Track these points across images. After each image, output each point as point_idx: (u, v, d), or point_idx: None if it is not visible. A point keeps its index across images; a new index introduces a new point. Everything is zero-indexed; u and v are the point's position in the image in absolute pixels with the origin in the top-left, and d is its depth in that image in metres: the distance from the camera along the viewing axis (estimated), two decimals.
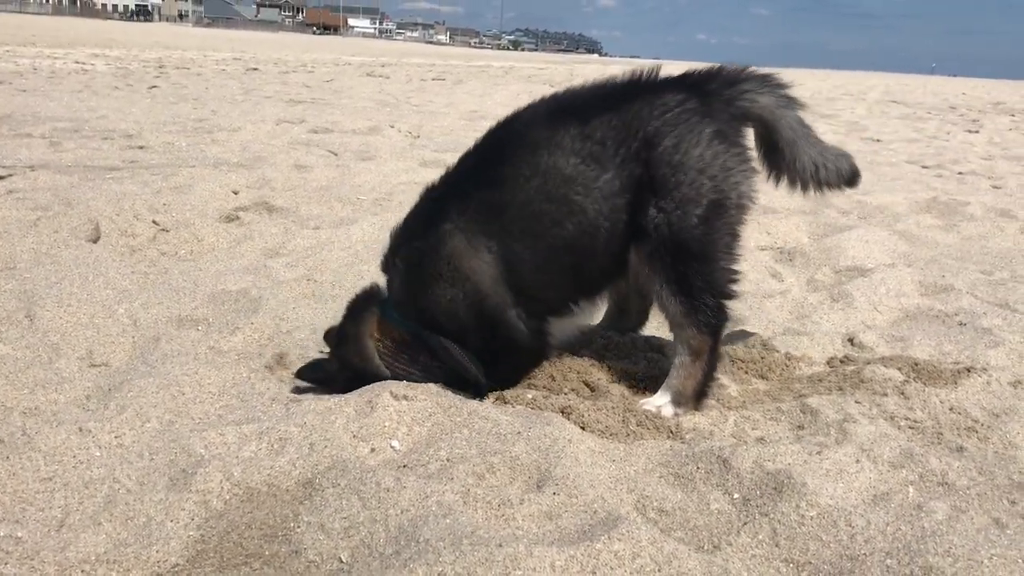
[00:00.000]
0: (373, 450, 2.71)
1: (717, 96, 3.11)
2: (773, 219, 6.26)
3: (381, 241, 5.24)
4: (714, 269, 3.05)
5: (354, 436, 2.73)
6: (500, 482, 2.50)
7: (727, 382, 3.40)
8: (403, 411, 2.84)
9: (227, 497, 2.41)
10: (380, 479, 2.40)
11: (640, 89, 3.13)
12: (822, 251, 5.48)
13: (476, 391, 3.01)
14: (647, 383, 3.27)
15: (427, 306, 3.04)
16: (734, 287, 3.12)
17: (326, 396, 2.94)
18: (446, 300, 3.02)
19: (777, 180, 3.38)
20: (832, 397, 3.14)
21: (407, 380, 3.04)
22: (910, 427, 2.98)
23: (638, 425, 2.93)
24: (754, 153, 3.17)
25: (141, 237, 5.36)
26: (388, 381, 2.98)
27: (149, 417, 2.79)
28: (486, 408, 2.87)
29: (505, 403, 3.02)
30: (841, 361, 3.63)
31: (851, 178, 3.44)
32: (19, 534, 2.23)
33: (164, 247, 5.25)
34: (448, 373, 3.03)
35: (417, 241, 3.09)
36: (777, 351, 3.68)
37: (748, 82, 3.18)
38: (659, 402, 3.05)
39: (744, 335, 3.86)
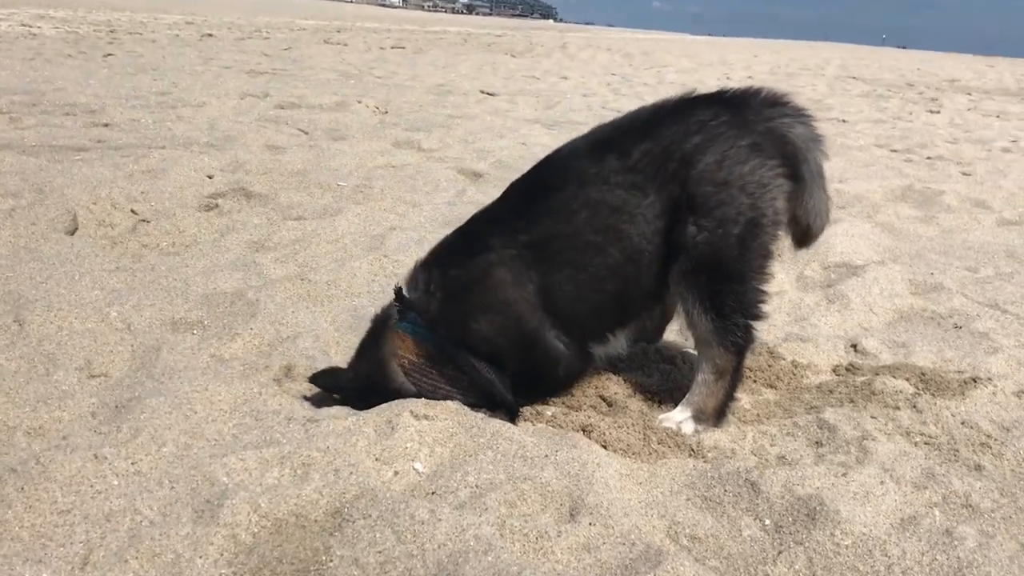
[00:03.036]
0: (397, 473, 2.65)
1: (753, 112, 3.10)
2: None
3: (369, 235, 5.18)
4: (747, 289, 3.03)
5: (376, 459, 2.68)
6: (533, 510, 2.47)
7: (741, 394, 3.40)
8: (424, 431, 2.79)
9: (255, 530, 2.35)
10: (414, 511, 2.35)
11: (673, 110, 3.10)
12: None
13: (508, 412, 2.97)
14: (663, 396, 3.25)
15: (466, 332, 3.02)
16: (764, 307, 3.11)
17: (343, 415, 2.87)
18: (486, 328, 3.02)
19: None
20: (846, 411, 3.15)
21: (434, 396, 2.98)
22: (926, 443, 3.00)
23: (659, 443, 2.92)
24: (785, 167, 3.14)
25: (120, 227, 5.21)
26: (407, 399, 2.92)
27: (165, 440, 2.71)
28: (509, 429, 2.82)
29: (525, 420, 2.98)
30: (847, 369, 3.64)
31: (817, 235, 3.42)
32: (43, 575, 2.15)
33: (145, 239, 5.11)
34: (479, 390, 2.99)
35: (457, 269, 3.08)
36: (783, 358, 3.68)
37: (786, 107, 3.18)
38: (679, 418, 3.04)
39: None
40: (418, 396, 3.00)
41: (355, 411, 2.93)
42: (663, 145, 3.03)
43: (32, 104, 8.98)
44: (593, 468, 2.63)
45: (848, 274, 4.97)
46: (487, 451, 2.72)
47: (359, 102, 10.98)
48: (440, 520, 2.33)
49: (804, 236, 3.39)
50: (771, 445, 2.97)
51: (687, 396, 3.10)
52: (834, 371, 3.65)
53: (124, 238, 5.07)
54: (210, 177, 6.39)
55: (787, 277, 5.02)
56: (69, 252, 4.56)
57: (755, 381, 3.51)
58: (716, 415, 3.06)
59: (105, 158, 6.63)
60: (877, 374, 3.49)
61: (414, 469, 2.69)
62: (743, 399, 3.35)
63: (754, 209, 3.01)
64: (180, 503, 2.43)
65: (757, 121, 3.10)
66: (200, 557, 2.23)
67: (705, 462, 2.84)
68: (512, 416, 2.97)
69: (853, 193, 7.27)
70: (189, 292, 4.12)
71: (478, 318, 3.02)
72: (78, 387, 3.12)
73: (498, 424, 2.84)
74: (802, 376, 3.56)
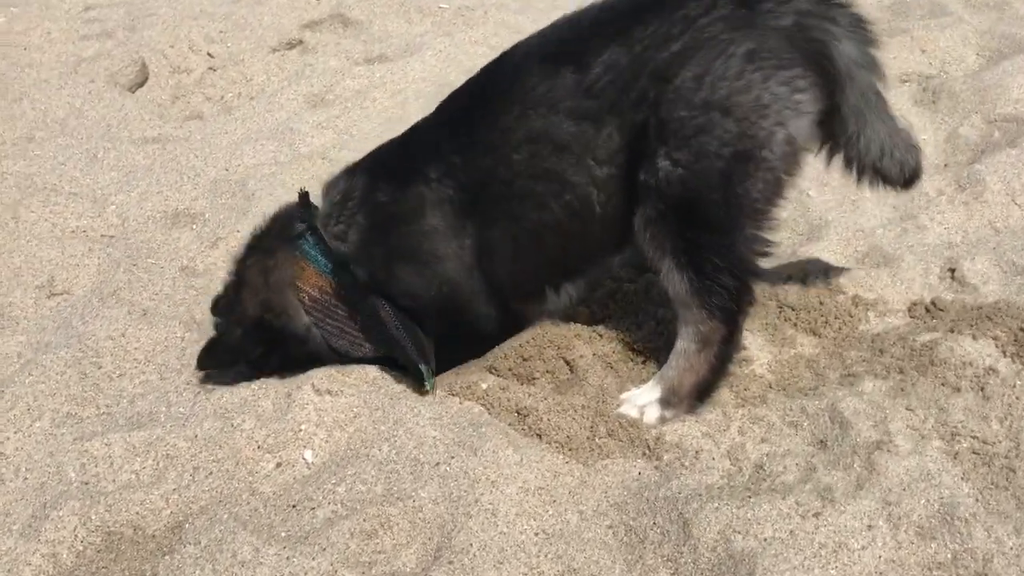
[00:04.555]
0: (279, 466, 2.32)
1: (772, 5, 2.29)
2: (935, 27, 4.99)
3: (438, 85, 4.59)
4: (735, 240, 2.33)
5: (259, 447, 2.34)
6: (389, 547, 2.07)
7: (762, 342, 2.72)
8: (324, 410, 2.41)
9: (80, 548, 2.12)
10: (238, 548, 2.02)
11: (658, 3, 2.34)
12: (978, 89, 4.31)
13: (416, 380, 2.50)
14: (646, 359, 2.64)
15: (386, 277, 2.54)
16: (762, 261, 2.40)
17: (244, 383, 2.53)
18: (412, 280, 2.54)
19: (829, 155, 2.54)
20: (879, 395, 2.42)
21: (338, 344, 2.56)
22: (973, 453, 2.25)
23: (608, 435, 2.37)
24: (811, 79, 2.31)
25: (194, 74, 4.96)
26: (312, 371, 2.51)
27: (43, 412, 2.49)
28: (414, 416, 2.38)
29: (453, 395, 2.51)
30: (928, 310, 2.81)
31: (911, 178, 2.62)
32: None
33: (210, 90, 4.84)
34: (388, 347, 2.53)
35: (385, 196, 2.55)
36: (844, 292, 2.90)
37: (833, 9, 2.34)
38: (643, 400, 2.45)
39: (808, 264, 3.06)
40: (326, 345, 2.57)
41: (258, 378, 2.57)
42: (634, 54, 2.29)
43: None
44: (486, 487, 2.16)
45: (1018, 134, 3.87)
46: (382, 445, 2.30)
47: None
48: (262, 563, 1.98)
49: (876, 177, 2.56)
50: (757, 443, 2.35)
51: (661, 370, 2.49)
52: (909, 312, 2.84)
53: (190, 90, 4.83)
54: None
55: (932, 138, 3.99)
56: (114, 117, 4.37)
57: (794, 325, 2.79)
58: (692, 397, 2.44)
59: None
60: (954, 327, 2.65)
61: (303, 459, 2.34)
62: (765, 354, 2.68)
63: (744, 138, 2.25)
64: (24, 502, 2.23)
65: (773, 17, 2.27)
66: None
67: (656, 469, 2.28)
68: (421, 385, 2.49)
69: None
70: (206, 173, 3.85)
71: (401, 265, 2.53)
72: (24, 314, 2.96)
73: (405, 408, 2.40)
74: (859, 320, 2.79)
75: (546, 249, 2.45)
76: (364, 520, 2.08)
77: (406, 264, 2.51)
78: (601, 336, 2.70)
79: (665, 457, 2.31)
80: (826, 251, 3.14)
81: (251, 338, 2.55)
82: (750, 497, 2.12)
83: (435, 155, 2.50)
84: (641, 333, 2.72)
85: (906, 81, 4.59)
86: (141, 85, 4.90)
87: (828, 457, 2.26)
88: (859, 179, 2.58)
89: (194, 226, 3.53)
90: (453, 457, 2.23)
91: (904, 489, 2.12)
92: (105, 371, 2.65)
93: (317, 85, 4.80)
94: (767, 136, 2.26)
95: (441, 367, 2.56)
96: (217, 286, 3.09)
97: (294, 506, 2.17)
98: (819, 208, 3.40)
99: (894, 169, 2.53)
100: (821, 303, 2.84)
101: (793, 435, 2.36)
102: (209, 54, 5.14)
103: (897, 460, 2.20)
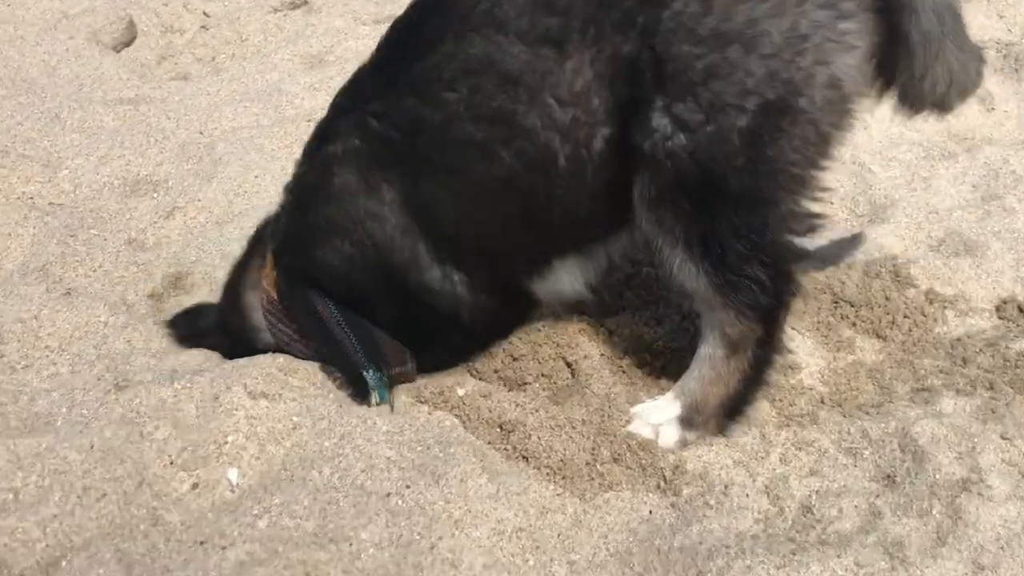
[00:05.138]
0: (196, 487, 1.84)
1: None
2: None
3: None
4: (768, 219, 1.79)
5: (172, 463, 1.86)
6: None
7: (812, 345, 2.19)
8: (258, 418, 1.92)
9: None
10: None
11: None
12: None
13: (356, 390, 2.00)
14: (663, 365, 2.12)
15: (310, 264, 2.06)
16: (806, 240, 1.87)
17: (169, 374, 2.05)
18: (333, 254, 2.04)
19: (883, 89, 1.95)
20: (964, 418, 1.89)
21: (294, 352, 2.10)
22: None
23: (613, 460, 1.86)
24: (861, 1, 1.77)
25: (187, 35, 4.51)
26: (247, 368, 2.03)
27: None
28: (367, 428, 1.89)
29: (421, 403, 2.01)
30: (1021, 310, 2.27)
31: (957, 104, 2.02)
32: None
33: (201, 51, 4.38)
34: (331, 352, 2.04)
35: (304, 165, 2.10)
36: (915, 284, 2.35)
37: None
38: (659, 416, 1.93)
39: (871, 250, 2.51)
40: (280, 349, 2.12)
41: (193, 370, 2.09)
42: None
43: None
44: (447, 527, 1.66)
45: None
46: (323, 466, 1.82)
47: None
48: None
49: (941, 108, 2.01)
50: (804, 477, 1.82)
51: (681, 380, 1.97)
52: (998, 312, 2.29)
53: (180, 50, 4.38)
54: None
55: (1015, 109, 3.40)
56: (88, 76, 3.93)
57: (853, 325, 2.26)
58: (720, 415, 1.92)
59: None
60: None
61: (227, 480, 1.85)
62: (815, 358, 2.15)
63: (777, 83, 1.71)
64: None
65: None
66: None
67: (672, 508, 1.77)
68: (362, 397, 1.99)
69: None
70: (176, 136, 3.39)
71: (321, 241, 2.04)
72: None
73: (357, 420, 1.90)
74: (934, 321, 2.25)
75: (504, 209, 1.92)
76: (285, 567, 1.60)
77: (323, 237, 2.03)
78: (611, 333, 2.18)
79: (685, 492, 1.80)
80: (892, 235, 2.59)
81: (221, 330, 2.21)
82: (794, 552, 1.60)
83: (354, 104, 2.01)
84: (661, 330, 2.19)
85: (984, 48, 3.97)
86: (128, 45, 4.46)
87: (897, 499, 1.74)
88: (908, 114, 2.02)
89: (155, 195, 3.07)
90: (409, 486, 1.73)
91: (1002, 547, 1.59)
92: (8, 360, 2.20)
93: (317, 46, 4.32)
94: (805, 79, 1.72)
95: (423, 368, 2.07)
96: (166, 262, 2.66)
97: (202, 543, 1.69)
98: (883, 185, 2.86)
99: (956, 101, 1.99)
100: (887, 298, 2.30)
101: (851, 467, 1.84)
102: (205, 13, 4.69)
103: (991, 507, 1.68)
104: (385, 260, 1.98)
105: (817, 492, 1.78)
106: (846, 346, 2.20)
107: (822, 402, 2.03)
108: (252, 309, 2.15)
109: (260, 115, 3.56)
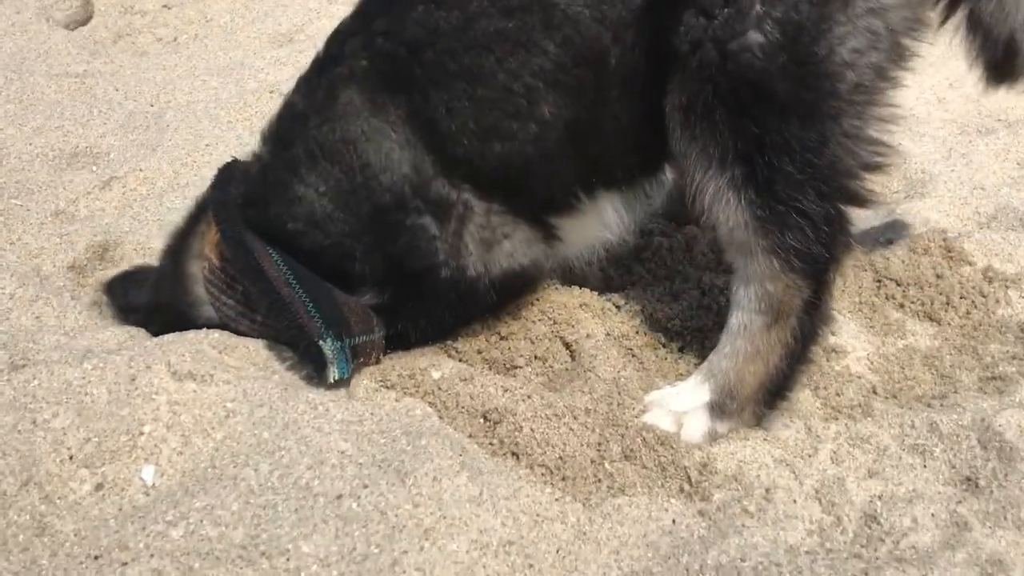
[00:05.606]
0: (100, 488, 1.46)
1: None
2: None
3: None
4: (826, 136, 1.44)
5: (71, 458, 1.48)
6: None
7: (856, 328, 1.84)
8: (183, 404, 1.54)
9: None
10: None
11: None
12: None
13: (313, 361, 1.62)
14: (681, 345, 1.76)
15: (286, 207, 1.70)
16: (871, 176, 1.51)
17: (76, 361, 1.66)
18: (316, 190, 1.67)
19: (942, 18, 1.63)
20: None
21: (236, 330, 1.73)
22: None
23: (625, 457, 1.49)
24: None
25: (148, 15, 4.17)
26: (173, 344, 1.65)
27: None
28: (317, 416, 1.51)
29: (388, 388, 1.64)
30: None
31: None
32: None
33: (162, 30, 4.03)
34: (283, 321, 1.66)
35: (297, 94, 1.77)
36: (970, 261, 2.00)
37: None
38: (683, 404, 1.57)
39: (917, 225, 2.17)
40: (224, 325, 1.74)
41: (110, 350, 1.71)
42: None
43: None
44: (415, 539, 1.29)
45: None
46: (260, 463, 1.43)
47: None
48: None
49: (1002, 59, 1.67)
50: (863, 479, 1.46)
51: (710, 358, 1.61)
52: None
53: (139, 29, 4.03)
54: None
55: None
56: (33, 51, 3.58)
57: (901, 307, 1.91)
58: (758, 401, 1.56)
59: None
60: None
61: (140, 479, 1.47)
62: (860, 343, 1.80)
63: None
64: None
65: None
66: None
67: (701, 516, 1.40)
68: (318, 372, 1.60)
69: None
70: (122, 108, 3.04)
71: (302, 176, 1.68)
72: None
73: (305, 405, 1.53)
74: (996, 302, 1.90)
75: (542, 116, 1.57)
76: None
77: (307, 167, 1.68)
78: (619, 309, 1.82)
79: (716, 497, 1.43)
80: (935, 211, 2.26)
81: (156, 301, 1.84)
82: (866, 572, 1.24)
83: (359, 26, 1.71)
84: (678, 307, 1.82)
85: None
86: (83, 24, 4.11)
87: (985, 505, 1.37)
88: (978, 59, 1.68)
89: (94, 167, 2.71)
90: (367, 486, 1.35)
91: None
92: None
93: (287, 24, 3.99)
94: None
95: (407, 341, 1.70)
96: (92, 232, 2.29)
97: (96, 557, 1.31)
98: (918, 160, 2.53)
99: None
100: (939, 276, 1.95)
101: (920, 468, 1.48)
102: None
103: None
104: (374, 186, 1.63)
105: (882, 499, 1.42)
106: (895, 330, 1.85)
107: (874, 392, 1.68)
108: (193, 280, 1.77)
109: (219, 88, 3.23)
